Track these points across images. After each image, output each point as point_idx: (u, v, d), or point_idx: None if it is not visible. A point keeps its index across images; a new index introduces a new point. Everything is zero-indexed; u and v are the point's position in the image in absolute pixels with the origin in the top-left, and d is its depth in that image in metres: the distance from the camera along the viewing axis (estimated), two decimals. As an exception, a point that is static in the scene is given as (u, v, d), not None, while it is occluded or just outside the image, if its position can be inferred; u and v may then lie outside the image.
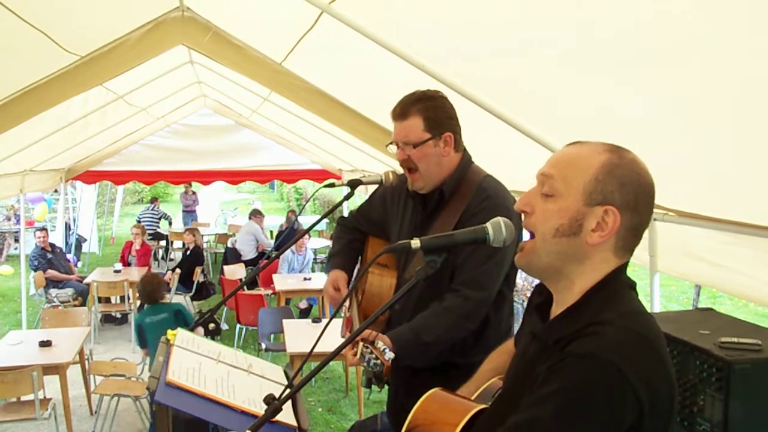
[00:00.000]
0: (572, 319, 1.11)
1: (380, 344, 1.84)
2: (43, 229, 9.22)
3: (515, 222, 2.12)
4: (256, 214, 11.03)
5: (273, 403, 1.28)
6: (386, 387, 2.18)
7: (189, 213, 15.28)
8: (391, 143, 2.16)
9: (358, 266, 2.48)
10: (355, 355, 1.86)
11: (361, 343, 1.86)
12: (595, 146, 1.15)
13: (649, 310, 1.16)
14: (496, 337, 2.21)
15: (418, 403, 1.35)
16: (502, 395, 1.24)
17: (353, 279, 2.38)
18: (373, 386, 1.85)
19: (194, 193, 15.63)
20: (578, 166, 1.14)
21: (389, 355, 1.82)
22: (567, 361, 1.02)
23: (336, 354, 1.33)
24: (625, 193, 1.11)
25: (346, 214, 13.49)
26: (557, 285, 1.19)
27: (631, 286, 1.16)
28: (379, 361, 1.79)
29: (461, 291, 2.06)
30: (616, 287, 1.14)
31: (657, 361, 1.05)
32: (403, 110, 2.09)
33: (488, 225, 1.30)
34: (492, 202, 2.08)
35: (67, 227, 12.04)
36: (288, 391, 1.33)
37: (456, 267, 2.08)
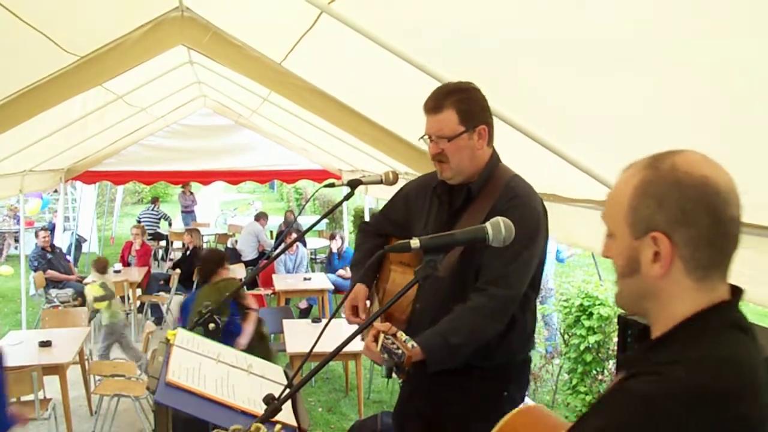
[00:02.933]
0: (655, 352, 1.01)
1: (402, 335, 1.83)
2: (45, 229, 9.23)
3: (543, 224, 2.08)
4: (261, 217, 11.09)
5: (273, 403, 1.28)
6: (391, 389, 2.15)
7: (188, 213, 15.38)
8: (423, 137, 2.09)
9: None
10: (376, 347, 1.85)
11: (382, 335, 1.84)
12: (633, 169, 1.05)
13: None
14: (520, 340, 2.15)
15: (507, 419, 1.26)
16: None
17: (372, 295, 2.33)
18: (393, 376, 1.85)
19: (192, 193, 15.71)
20: (617, 200, 1.05)
21: (412, 343, 1.81)
22: (621, 395, 0.96)
23: (336, 354, 1.33)
24: (668, 211, 0.98)
25: (346, 214, 13.54)
26: (648, 319, 1.09)
27: (740, 326, 1.00)
28: (401, 351, 1.78)
29: (487, 290, 1.99)
30: (712, 325, 0.99)
31: (719, 424, 0.91)
32: (436, 103, 2.02)
33: (488, 225, 1.30)
34: (519, 201, 2.02)
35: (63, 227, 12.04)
36: (288, 390, 1.33)
37: (482, 265, 2.02)
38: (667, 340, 1.00)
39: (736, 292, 1.04)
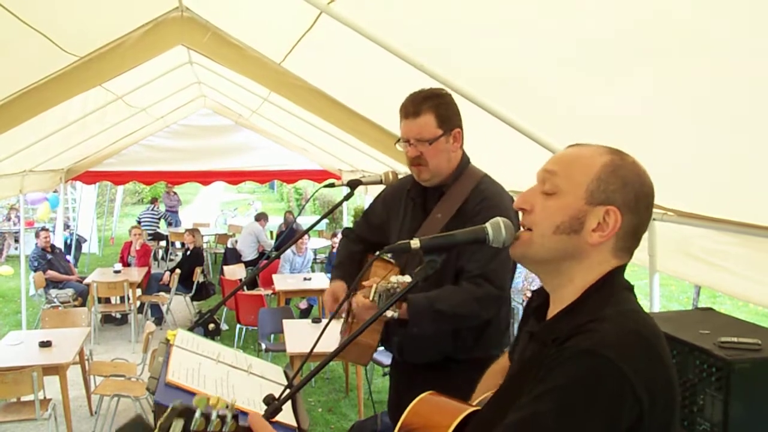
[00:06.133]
0: (570, 318, 1.10)
1: (394, 278, 1.92)
2: (45, 229, 9.22)
3: (515, 223, 2.13)
4: (261, 218, 11.10)
5: (273, 404, 1.28)
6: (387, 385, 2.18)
7: (173, 213, 15.93)
8: (399, 141, 2.19)
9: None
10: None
11: (375, 285, 1.95)
12: (596, 148, 1.16)
13: (648, 310, 1.16)
14: (497, 335, 2.26)
15: (410, 406, 1.35)
16: (497, 394, 1.23)
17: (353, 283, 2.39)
18: (392, 315, 1.94)
19: (176, 193, 16.34)
20: (582, 164, 1.13)
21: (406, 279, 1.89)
22: (565, 356, 1.01)
23: (336, 354, 1.33)
24: (627, 194, 1.11)
25: (345, 214, 13.55)
26: (554, 282, 1.18)
27: (629, 288, 1.16)
28: (397, 286, 1.88)
29: (478, 281, 2.09)
30: (615, 288, 1.13)
31: (656, 361, 1.04)
32: (415, 108, 2.12)
33: (488, 225, 1.29)
34: (490, 202, 2.11)
35: (65, 227, 12.04)
36: (288, 391, 1.33)
37: (464, 264, 2.11)
38: (580, 304, 1.12)
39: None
